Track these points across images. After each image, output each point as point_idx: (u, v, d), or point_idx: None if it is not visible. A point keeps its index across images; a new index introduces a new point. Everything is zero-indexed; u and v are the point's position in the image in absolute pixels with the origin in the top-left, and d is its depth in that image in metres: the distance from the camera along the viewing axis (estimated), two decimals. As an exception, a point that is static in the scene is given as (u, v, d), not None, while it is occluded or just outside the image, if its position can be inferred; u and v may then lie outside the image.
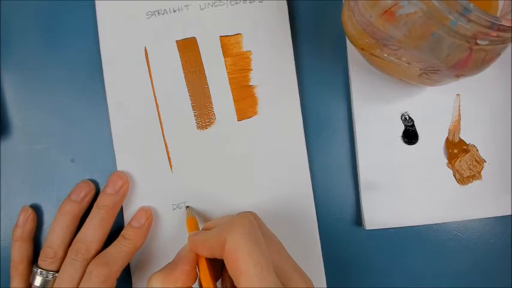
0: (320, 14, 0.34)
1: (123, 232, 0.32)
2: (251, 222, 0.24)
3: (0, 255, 0.34)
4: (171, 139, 0.33)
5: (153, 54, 0.33)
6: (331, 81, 0.34)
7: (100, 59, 0.33)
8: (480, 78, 0.27)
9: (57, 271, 0.30)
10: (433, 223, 0.34)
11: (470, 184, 0.33)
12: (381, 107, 0.33)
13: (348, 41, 0.33)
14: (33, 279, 0.31)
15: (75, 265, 0.30)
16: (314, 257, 0.33)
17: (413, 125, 0.33)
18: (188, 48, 0.33)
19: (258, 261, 0.22)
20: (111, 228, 0.32)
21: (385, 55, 0.27)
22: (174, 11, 0.33)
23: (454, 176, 0.33)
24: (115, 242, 0.31)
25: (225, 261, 0.23)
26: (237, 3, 0.33)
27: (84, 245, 0.30)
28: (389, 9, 0.24)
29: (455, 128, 0.34)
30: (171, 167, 0.33)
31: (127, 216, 0.33)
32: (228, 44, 0.33)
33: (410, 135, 0.33)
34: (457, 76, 0.26)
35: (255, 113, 0.33)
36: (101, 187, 0.34)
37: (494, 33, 0.21)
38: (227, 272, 0.27)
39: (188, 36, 0.33)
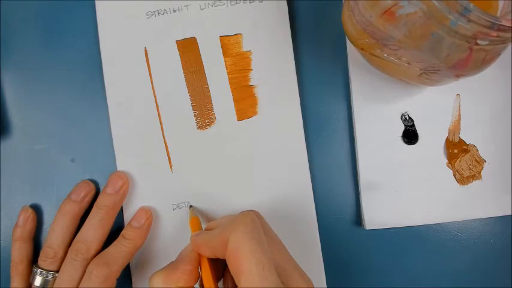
0: (320, 14, 0.34)
1: (123, 232, 0.32)
2: (254, 221, 0.24)
3: (0, 255, 0.34)
4: (171, 139, 0.33)
5: (153, 54, 0.33)
6: (331, 81, 0.34)
7: (100, 59, 0.33)
8: (480, 78, 0.27)
9: (57, 271, 0.30)
10: (433, 223, 0.34)
11: (470, 184, 0.33)
12: (381, 107, 0.33)
13: (348, 41, 0.33)
14: (33, 279, 0.31)
15: (75, 265, 0.30)
16: (314, 257, 0.33)
17: (413, 125, 0.33)
18: (188, 48, 0.33)
19: (259, 260, 0.22)
20: (111, 228, 0.32)
21: (385, 55, 0.27)
22: (174, 11, 0.33)
23: (454, 176, 0.33)
24: (115, 242, 0.31)
25: (227, 261, 0.23)
26: (237, 3, 0.33)
27: (84, 245, 0.30)
28: (389, 9, 0.24)
29: (455, 128, 0.34)
30: (171, 167, 0.33)
31: (127, 216, 0.33)
32: (228, 44, 0.33)
33: (410, 135, 0.33)
34: (457, 76, 0.26)
35: (255, 113, 0.33)
36: (101, 187, 0.34)
37: (494, 33, 0.21)
38: (229, 272, 0.27)
39: (188, 36, 0.33)
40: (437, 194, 0.33)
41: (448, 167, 0.33)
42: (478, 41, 0.22)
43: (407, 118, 0.33)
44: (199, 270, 0.26)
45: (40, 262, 0.31)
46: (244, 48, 0.33)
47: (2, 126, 0.34)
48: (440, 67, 0.25)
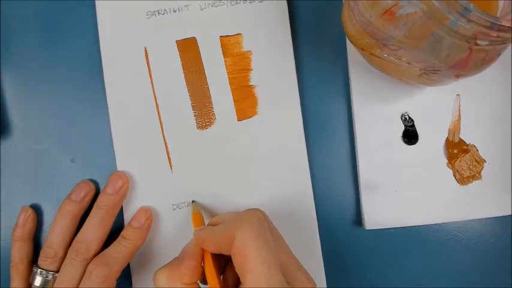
0: (320, 14, 0.34)
1: (123, 232, 0.31)
2: (260, 219, 0.24)
3: (0, 255, 0.34)
4: (171, 139, 0.33)
5: (153, 54, 0.33)
6: (331, 81, 0.34)
7: (100, 59, 0.33)
8: (480, 78, 0.27)
9: (57, 271, 0.30)
10: (433, 223, 0.34)
11: (470, 184, 0.33)
12: (381, 107, 0.33)
13: (348, 41, 0.33)
14: (33, 279, 0.31)
15: (75, 265, 0.30)
16: (314, 257, 0.33)
17: (413, 125, 0.33)
18: (188, 48, 0.33)
19: (266, 259, 0.22)
20: (111, 228, 0.32)
21: (385, 55, 0.27)
22: (174, 11, 0.33)
23: (454, 176, 0.33)
24: (115, 242, 0.31)
25: (232, 258, 0.23)
26: (237, 3, 0.33)
27: (84, 245, 0.30)
28: (390, 9, 0.24)
29: (455, 128, 0.34)
30: (171, 167, 0.33)
31: (127, 216, 0.33)
32: (228, 44, 0.33)
33: (410, 135, 0.33)
34: (457, 76, 0.26)
35: (255, 113, 0.33)
36: (101, 187, 0.34)
37: (494, 34, 0.21)
38: (229, 270, 0.27)
39: (188, 36, 0.33)
40: (437, 194, 0.33)
41: (448, 167, 0.33)
42: (478, 41, 0.22)
43: (407, 118, 0.33)
44: (202, 265, 0.26)
45: (40, 262, 0.31)
46: (244, 48, 0.33)
47: (2, 126, 0.34)
48: (440, 67, 0.25)
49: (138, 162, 0.33)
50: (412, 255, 0.34)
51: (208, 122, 0.33)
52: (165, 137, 0.33)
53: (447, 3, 0.21)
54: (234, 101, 0.33)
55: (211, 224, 0.28)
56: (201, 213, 0.31)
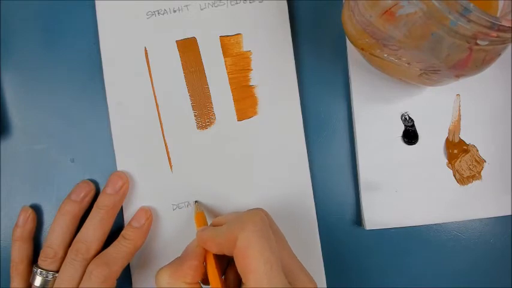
0: (320, 14, 0.34)
1: (123, 232, 0.31)
2: (263, 219, 0.24)
3: (0, 255, 0.34)
4: (171, 139, 0.33)
5: (153, 54, 0.33)
6: (331, 81, 0.34)
7: (100, 59, 0.33)
8: (480, 78, 0.27)
9: (57, 271, 0.30)
10: (433, 223, 0.34)
11: (470, 184, 0.33)
12: (381, 107, 0.33)
13: (348, 41, 0.33)
14: (33, 279, 0.31)
15: (75, 265, 0.30)
16: (314, 257, 0.33)
17: (413, 125, 0.33)
18: (188, 48, 0.33)
19: (268, 260, 0.22)
20: (111, 228, 0.32)
21: (385, 55, 0.27)
22: (174, 11, 0.33)
23: (454, 176, 0.33)
24: (115, 242, 0.31)
25: (235, 258, 0.23)
26: (237, 3, 0.33)
27: (84, 245, 0.30)
28: (390, 9, 0.24)
29: (455, 128, 0.34)
30: (171, 167, 0.33)
31: (127, 216, 0.33)
32: (228, 44, 0.33)
33: (410, 135, 0.33)
34: (457, 76, 0.26)
35: (255, 113, 0.33)
36: (101, 187, 0.34)
37: (494, 34, 0.21)
38: (231, 270, 0.27)
39: (188, 36, 0.33)
40: (437, 194, 0.33)
41: (448, 167, 0.33)
42: (478, 41, 0.22)
43: (407, 118, 0.33)
44: (204, 265, 0.26)
45: (40, 262, 0.31)
46: (244, 48, 0.33)
47: (2, 126, 0.34)
48: (440, 67, 0.25)
49: (138, 162, 0.33)
50: (412, 255, 0.34)
51: (208, 122, 0.33)
52: (165, 137, 0.33)
53: (447, 3, 0.21)
54: (234, 101, 0.33)
55: (213, 225, 0.28)
56: (204, 213, 0.31)
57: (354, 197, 0.34)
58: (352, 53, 0.33)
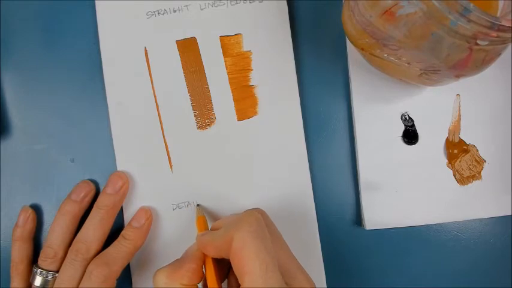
0: (320, 14, 0.34)
1: (123, 232, 0.31)
2: (258, 219, 0.24)
3: (0, 255, 0.34)
4: (171, 139, 0.33)
5: (153, 54, 0.33)
6: (331, 81, 0.34)
7: (100, 59, 0.33)
8: (480, 78, 0.27)
9: (57, 271, 0.30)
10: (433, 223, 0.34)
11: (470, 184, 0.33)
12: (381, 107, 0.33)
13: (348, 41, 0.33)
14: (33, 279, 0.31)
15: (75, 265, 0.30)
16: (314, 257, 0.33)
17: (413, 125, 0.33)
18: (188, 48, 0.33)
19: (263, 260, 0.22)
20: (111, 228, 0.32)
21: (385, 55, 0.27)
22: (174, 11, 0.33)
23: (454, 176, 0.33)
24: (115, 242, 0.31)
25: (231, 260, 0.23)
26: (237, 3, 0.33)
27: (84, 245, 0.30)
28: (390, 9, 0.24)
29: (455, 128, 0.34)
30: (171, 167, 0.33)
31: (127, 216, 0.33)
32: (228, 44, 0.33)
33: (410, 135, 0.33)
34: (457, 76, 0.26)
35: (255, 113, 0.33)
36: (101, 187, 0.34)
37: (494, 34, 0.21)
38: (233, 275, 0.27)
39: (188, 36, 0.33)
40: (437, 194, 0.33)
41: (448, 167, 0.33)
42: (478, 41, 0.22)
43: (407, 118, 0.33)
44: (203, 269, 0.26)
45: (40, 262, 0.31)
46: (244, 48, 0.33)
47: (2, 126, 0.34)
48: (440, 67, 0.25)
49: (138, 162, 0.33)
50: (412, 255, 0.34)
51: (208, 122, 0.33)
52: (165, 137, 0.33)
53: (447, 3, 0.21)
54: (234, 101, 0.33)
55: (213, 229, 0.28)
56: (205, 217, 0.31)
57: (354, 197, 0.34)
58: (352, 53, 0.33)
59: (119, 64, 0.33)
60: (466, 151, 0.33)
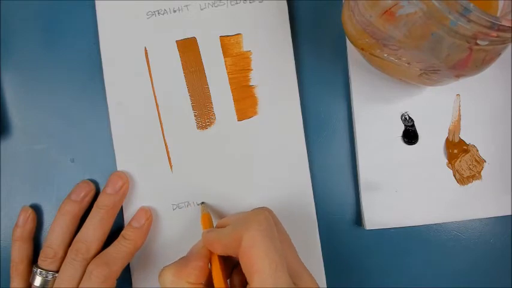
0: (320, 14, 0.34)
1: (123, 232, 0.31)
2: (267, 218, 0.24)
3: (0, 255, 0.34)
4: (171, 139, 0.33)
5: (153, 54, 0.33)
6: (331, 81, 0.34)
7: (100, 59, 0.33)
8: (480, 78, 0.27)
9: (57, 271, 0.30)
10: (433, 223, 0.34)
11: (470, 184, 0.33)
12: (381, 107, 0.33)
13: (348, 41, 0.33)
14: (33, 279, 0.31)
15: (75, 265, 0.30)
16: (314, 257, 0.33)
17: (413, 125, 0.33)
18: (188, 48, 0.33)
19: (273, 260, 0.22)
20: (111, 228, 0.32)
21: (385, 55, 0.27)
22: (174, 11, 0.33)
23: (454, 176, 0.33)
24: (115, 242, 0.31)
25: (240, 259, 0.23)
26: (237, 3, 0.33)
27: (84, 245, 0.30)
28: (390, 9, 0.24)
29: (455, 128, 0.34)
30: (171, 167, 0.33)
31: (127, 216, 0.33)
32: (228, 44, 0.33)
33: (410, 135, 0.33)
34: (457, 76, 0.26)
35: (255, 113, 0.33)
36: (101, 187, 0.34)
37: (494, 34, 0.21)
38: (236, 274, 0.27)
39: (188, 36, 0.33)
40: (437, 194, 0.33)
41: (448, 167, 0.33)
42: (478, 41, 0.22)
43: (407, 118, 0.33)
44: (209, 268, 0.26)
45: (40, 262, 0.31)
46: (244, 48, 0.33)
47: (2, 126, 0.34)
48: (440, 67, 0.25)
49: (138, 162, 0.33)
50: (412, 255, 0.34)
51: (208, 122, 0.33)
52: (165, 137, 0.33)
53: (447, 3, 0.21)
54: (234, 101, 0.33)
55: (219, 226, 0.28)
56: (210, 214, 0.31)
57: (354, 197, 0.34)
58: (352, 53, 0.33)
59: (119, 64, 0.33)
60: (466, 151, 0.33)
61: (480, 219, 0.34)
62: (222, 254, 0.25)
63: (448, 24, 0.22)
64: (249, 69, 0.33)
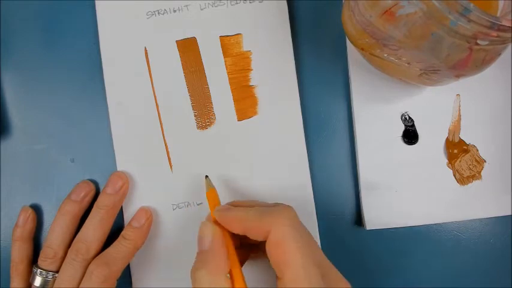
0: (320, 14, 0.34)
1: (123, 232, 0.31)
2: (296, 216, 0.25)
3: (0, 255, 0.34)
4: (171, 139, 0.33)
5: (153, 54, 0.33)
6: (331, 81, 0.34)
7: (100, 59, 0.33)
8: (480, 78, 0.27)
9: (57, 271, 0.30)
10: (433, 223, 0.34)
11: (470, 184, 0.33)
12: (381, 107, 0.33)
13: (348, 41, 0.33)
14: (33, 279, 0.31)
15: (75, 265, 0.30)
16: (314, 257, 0.33)
17: (413, 125, 0.33)
18: (188, 48, 0.33)
19: (304, 255, 0.22)
20: (111, 228, 0.32)
21: (385, 55, 0.27)
22: (174, 11, 0.33)
23: (454, 176, 0.33)
24: (115, 243, 0.31)
25: (267, 249, 0.23)
26: (237, 3, 0.33)
27: (84, 245, 0.30)
28: (390, 9, 0.24)
29: (455, 128, 0.34)
30: (171, 167, 0.33)
31: (127, 216, 0.33)
32: (228, 44, 0.33)
33: (410, 135, 0.33)
34: (457, 76, 0.26)
35: (255, 113, 0.33)
36: (101, 187, 0.34)
37: (495, 33, 0.21)
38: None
39: (188, 36, 0.33)
40: (437, 194, 0.33)
41: (448, 167, 0.33)
42: (478, 41, 0.22)
43: (407, 118, 0.33)
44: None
45: (40, 262, 0.31)
46: (244, 48, 0.33)
47: (2, 126, 0.34)
48: (440, 67, 0.25)
49: (138, 162, 0.33)
50: (412, 255, 0.34)
51: (208, 122, 0.33)
52: (165, 137, 0.33)
53: (447, 3, 0.21)
54: (234, 101, 0.33)
55: (234, 206, 0.27)
56: (215, 189, 0.30)
57: (354, 197, 0.34)
58: (352, 53, 0.33)
59: (119, 64, 0.33)
60: (466, 151, 0.33)
61: (480, 219, 0.34)
62: (239, 233, 0.25)
63: (448, 24, 0.22)
64: (249, 69, 0.33)
